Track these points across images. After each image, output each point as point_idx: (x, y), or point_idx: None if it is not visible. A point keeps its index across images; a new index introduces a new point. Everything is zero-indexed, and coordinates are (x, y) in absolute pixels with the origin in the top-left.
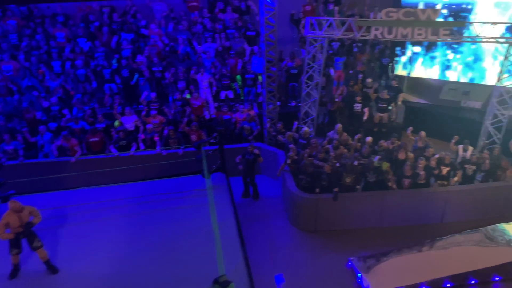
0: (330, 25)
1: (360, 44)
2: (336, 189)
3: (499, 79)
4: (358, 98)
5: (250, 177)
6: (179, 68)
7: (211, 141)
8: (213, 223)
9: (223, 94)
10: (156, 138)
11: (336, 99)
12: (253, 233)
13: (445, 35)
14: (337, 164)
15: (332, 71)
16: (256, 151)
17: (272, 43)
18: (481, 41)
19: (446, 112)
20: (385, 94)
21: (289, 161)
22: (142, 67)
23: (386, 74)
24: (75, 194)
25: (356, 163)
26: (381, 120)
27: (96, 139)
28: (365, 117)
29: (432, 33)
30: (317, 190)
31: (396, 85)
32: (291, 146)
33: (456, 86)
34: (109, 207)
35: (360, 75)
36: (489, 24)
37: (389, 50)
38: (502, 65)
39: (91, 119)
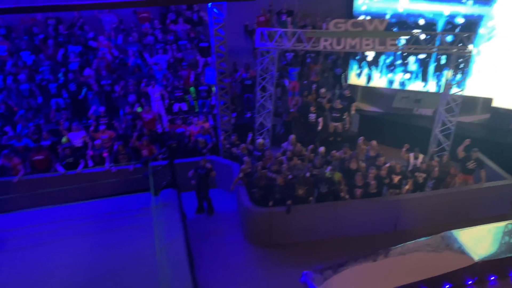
0: (280, 37)
1: (313, 55)
2: (289, 202)
3: (445, 87)
4: (313, 108)
5: (203, 192)
6: (129, 81)
7: (160, 156)
8: (157, 244)
9: (176, 107)
10: (105, 154)
11: (291, 110)
12: (206, 250)
13: (392, 45)
14: (290, 176)
15: (286, 81)
16: (208, 165)
17: (223, 55)
18: (428, 51)
19: (399, 120)
20: (338, 104)
21: (241, 175)
22: (90, 81)
23: (340, 84)
24: (16, 217)
25: (308, 174)
26: (336, 130)
27: (41, 157)
28: (319, 127)
29: (380, 43)
30: (270, 203)
31: (349, 95)
32: (245, 158)
33: (408, 94)
34: (53, 230)
35: (314, 85)
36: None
37: (342, 60)
38: (449, 73)
39: (35, 136)
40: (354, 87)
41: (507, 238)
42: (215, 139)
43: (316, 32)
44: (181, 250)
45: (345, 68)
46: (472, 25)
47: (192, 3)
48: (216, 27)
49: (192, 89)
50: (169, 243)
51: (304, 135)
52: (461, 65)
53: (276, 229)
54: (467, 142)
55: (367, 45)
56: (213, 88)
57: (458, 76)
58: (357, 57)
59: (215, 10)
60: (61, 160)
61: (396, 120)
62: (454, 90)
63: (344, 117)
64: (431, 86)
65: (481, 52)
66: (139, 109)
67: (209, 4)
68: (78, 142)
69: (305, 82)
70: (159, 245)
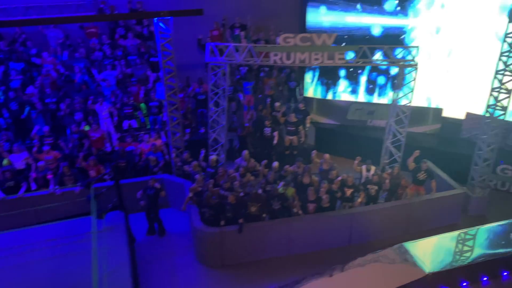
0: (231, 51)
1: (267, 69)
2: (240, 220)
3: (394, 99)
4: (267, 122)
5: (153, 213)
6: (75, 98)
7: (106, 177)
8: (94, 272)
9: (126, 124)
10: (49, 176)
11: (246, 124)
12: (155, 274)
13: (340, 59)
14: (241, 194)
15: (241, 95)
16: (157, 185)
17: (172, 70)
18: (374, 64)
19: (354, 132)
20: (293, 117)
21: (191, 194)
22: (33, 99)
23: (294, 97)
24: None
25: (260, 191)
26: (291, 143)
27: None
28: (275, 141)
29: (328, 58)
30: (222, 222)
31: (303, 108)
32: (197, 176)
33: (362, 106)
34: None
35: (269, 99)
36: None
37: (295, 74)
38: (397, 85)
39: None
40: (309, 100)
41: (457, 248)
42: (168, 156)
43: (266, 47)
44: (126, 276)
45: (300, 81)
46: (415, 38)
47: (137, 18)
48: (163, 42)
49: (142, 105)
50: (113, 269)
51: (260, 150)
52: (408, 77)
53: (228, 249)
54: (416, 153)
55: (316, 59)
56: (169, 104)
57: (406, 89)
58: (312, 70)
59: (161, 25)
60: (1, 184)
61: (351, 132)
62: (403, 101)
63: (299, 130)
64: (384, 98)
65: (428, 64)
66: (86, 128)
67: (155, 19)
68: (20, 164)
69: (260, 96)
70: (100, 272)
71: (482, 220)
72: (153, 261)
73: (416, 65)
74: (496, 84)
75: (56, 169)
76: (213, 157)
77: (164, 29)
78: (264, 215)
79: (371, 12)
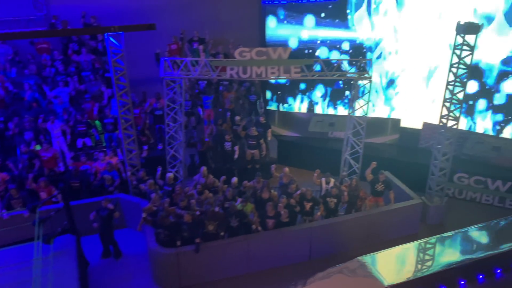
0: (186, 66)
1: (226, 83)
2: (197, 240)
3: (350, 112)
4: (228, 137)
5: (108, 235)
6: (25, 117)
7: (55, 199)
8: None
9: (80, 142)
10: None
11: (206, 139)
12: None
13: (296, 72)
14: (197, 213)
15: (200, 110)
16: (111, 205)
17: (125, 86)
18: (331, 77)
19: (316, 144)
20: (253, 131)
21: (144, 215)
22: None
23: (256, 111)
24: None
25: (217, 209)
26: (253, 157)
27: None
28: (236, 156)
29: (284, 71)
30: (178, 243)
31: (264, 121)
32: (153, 195)
33: (322, 118)
34: None
35: (229, 113)
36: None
37: (256, 87)
38: (352, 98)
39: None
40: (271, 113)
41: (416, 258)
42: (125, 174)
43: (222, 61)
44: None
45: (260, 94)
46: (368, 50)
47: (87, 33)
48: (114, 58)
49: (97, 122)
50: None
51: (221, 165)
52: (363, 90)
53: (185, 269)
54: (373, 164)
55: (273, 73)
56: (123, 120)
57: (361, 101)
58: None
59: (112, 40)
60: None
61: (313, 144)
62: (359, 113)
63: (261, 143)
64: (343, 110)
65: (385, 76)
66: (37, 147)
67: (105, 34)
68: None
69: (220, 110)
70: None
71: (440, 229)
72: (108, 285)
73: (370, 78)
74: (448, 95)
75: (3, 192)
76: (170, 175)
77: (116, 45)
78: (222, 233)
79: (332, 25)
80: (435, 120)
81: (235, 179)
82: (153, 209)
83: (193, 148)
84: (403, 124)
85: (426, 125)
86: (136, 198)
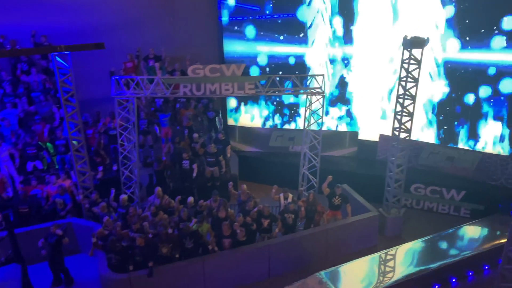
0: (138, 84)
1: (183, 100)
2: (150, 264)
3: (305, 126)
4: (186, 155)
5: (57, 262)
6: None
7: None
8: None
9: (30, 165)
10: None
11: (163, 158)
12: None
13: (250, 89)
14: (150, 235)
15: (157, 128)
16: (59, 231)
17: (74, 107)
18: (284, 93)
19: (277, 159)
20: (212, 148)
21: (94, 240)
22: None
23: (215, 127)
24: None
25: (170, 231)
26: (213, 175)
27: None
28: (194, 174)
29: (239, 88)
30: (131, 267)
31: (223, 138)
32: (105, 218)
33: (282, 133)
34: None
35: (186, 131)
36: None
37: (214, 104)
38: (306, 113)
39: None
40: (232, 129)
41: (373, 271)
42: (78, 198)
43: (174, 78)
44: None
45: (219, 111)
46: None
47: (33, 53)
48: (62, 78)
49: (48, 144)
50: None
51: (180, 184)
52: (317, 104)
53: None
54: (329, 178)
55: (227, 90)
56: (74, 142)
57: (316, 115)
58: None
59: (59, 60)
60: None
61: (273, 159)
62: (314, 127)
63: (220, 160)
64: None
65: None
66: None
67: (51, 54)
68: None
69: (178, 128)
70: None
71: (399, 240)
72: None
73: (322, 93)
74: (399, 107)
75: None
76: (124, 196)
77: (63, 65)
78: (177, 255)
79: (290, 42)
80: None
81: (191, 199)
82: (104, 233)
83: (150, 168)
84: (361, 136)
85: (382, 137)
86: (89, 222)
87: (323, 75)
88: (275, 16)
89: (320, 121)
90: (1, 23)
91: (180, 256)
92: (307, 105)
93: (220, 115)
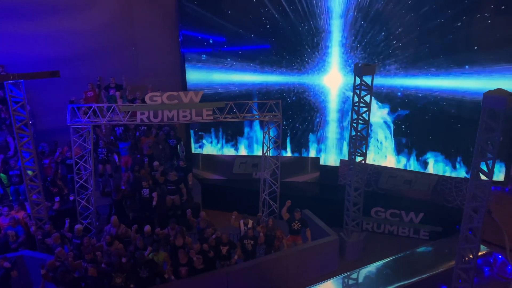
0: (94, 112)
1: (143, 128)
2: None
3: (264, 152)
4: (145, 183)
5: None
6: None
7: None
8: None
9: None
10: None
11: (122, 187)
12: None
13: (208, 115)
14: (103, 265)
15: (116, 157)
16: (7, 264)
17: (27, 136)
18: (242, 119)
19: (240, 186)
20: (173, 176)
21: (43, 272)
22: None
23: (177, 155)
24: None
25: (124, 260)
26: (174, 203)
27: None
28: (154, 202)
29: (196, 114)
30: None
31: (184, 165)
32: (57, 250)
33: (246, 159)
34: None
35: (146, 159)
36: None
37: (175, 131)
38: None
39: None
40: (195, 156)
41: None
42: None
43: (131, 105)
44: None
45: (181, 139)
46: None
47: None
48: (14, 106)
49: (2, 175)
50: None
51: (140, 214)
52: (274, 130)
53: None
54: (288, 203)
55: (185, 116)
56: (28, 171)
57: (274, 141)
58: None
59: (12, 88)
60: None
61: (237, 186)
62: (274, 153)
63: (181, 188)
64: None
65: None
66: None
67: (4, 82)
68: None
69: (138, 156)
70: None
71: (359, 264)
72: None
73: (279, 119)
74: (353, 132)
75: None
76: (79, 226)
77: (16, 93)
78: (132, 285)
79: (248, 70)
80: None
81: (148, 227)
82: (56, 265)
83: (109, 197)
84: (322, 162)
85: (343, 162)
86: (42, 254)
87: (279, 101)
88: (237, 48)
89: (278, 146)
90: None
91: (135, 286)
92: (265, 131)
93: (182, 142)
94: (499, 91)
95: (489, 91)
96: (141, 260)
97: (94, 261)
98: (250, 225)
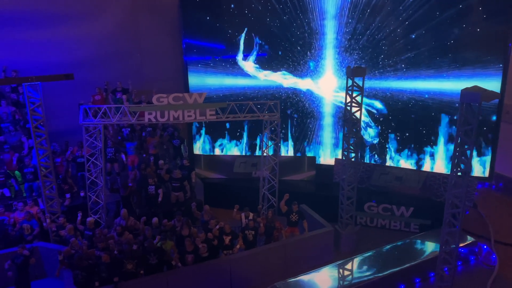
0: (105, 112)
1: (149, 129)
2: (115, 279)
3: (263, 150)
4: (151, 180)
5: (24, 284)
6: None
7: None
8: None
9: None
10: None
11: (129, 184)
12: None
13: (211, 115)
14: (115, 252)
15: (124, 156)
16: (26, 252)
17: (43, 134)
18: (243, 118)
19: (240, 184)
20: (177, 173)
21: (60, 257)
22: None
23: (180, 155)
24: None
25: (135, 247)
26: (178, 200)
27: None
28: (159, 198)
29: (200, 114)
30: (97, 283)
31: (187, 164)
32: (72, 240)
33: (246, 159)
34: None
35: (152, 158)
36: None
37: (178, 132)
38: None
39: None
40: (197, 157)
41: (329, 280)
42: (46, 224)
43: (140, 106)
44: None
45: (184, 139)
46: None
47: (5, 84)
48: (32, 107)
49: (16, 172)
50: None
51: (146, 210)
52: (273, 129)
53: None
54: (286, 196)
55: (189, 116)
56: (42, 168)
57: (273, 140)
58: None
59: (30, 90)
60: None
61: (237, 184)
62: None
63: (185, 185)
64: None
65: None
66: None
67: (23, 84)
68: None
69: (144, 155)
70: None
71: (353, 255)
72: None
73: (277, 118)
74: (346, 130)
75: None
76: (90, 219)
77: (33, 94)
78: (141, 271)
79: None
80: None
81: (155, 219)
82: (71, 252)
83: (117, 194)
84: (318, 161)
85: (337, 160)
86: (56, 245)
87: (278, 102)
88: (235, 56)
89: (277, 145)
90: None
91: (144, 272)
92: (264, 130)
93: (185, 143)
94: (475, 88)
95: (466, 88)
96: (151, 248)
97: (107, 249)
98: (250, 217)
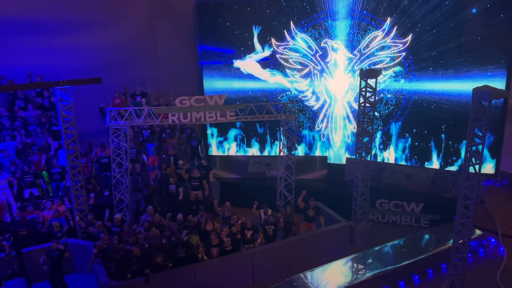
0: (130, 115)
1: (168, 130)
2: (147, 271)
3: (280, 150)
4: (172, 180)
5: (58, 278)
6: None
7: (4, 242)
8: None
9: (27, 193)
10: None
11: (151, 183)
12: None
13: (231, 116)
14: (146, 245)
15: (144, 157)
16: (61, 246)
17: (73, 135)
18: (261, 119)
19: (255, 183)
20: (196, 173)
21: (95, 251)
22: None
23: (198, 155)
24: None
25: (164, 241)
26: (197, 198)
27: None
28: (180, 197)
29: (221, 115)
30: (129, 275)
31: (205, 164)
32: (102, 235)
33: (259, 159)
34: None
35: (172, 158)
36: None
37: (196, 134)
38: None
39: None
40: (213, 157)
41: (344, 272)
42: (72, 222)
43: (164, 108)
44: None
45: (201, 140)
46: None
47: (39, 88)
48: (63, 109)
49: (44, 173)
50: None
51: (167, 207)
52: (291, 129)
53: None
54: (304, 193)
55: (211, 117)
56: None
57: (289, 139)
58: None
59: (61, 93)
60: None
61: (252, 183)
62: (289, 151)
63: (204, 184)
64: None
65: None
66: None
67: (55, 88)
68: None
69: (164, 156)
70: None
71: (368, 249)
72: None
73: (294, 118)
74: (360, 130)
75: None
76: (117, 216)
77: (64, 97)
78: (170, 264)
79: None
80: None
81: (180, 215)
82: (103, 247)
83: (139, 193)
84: (330, 160)
85: (348, 160)
86: (85, 241)
87: (294, 103)
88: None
89: (294, 144)
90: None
91: (172, 264)
92: (281, 130)
93: (202, 143)
94: (486, 87)
95: (477, 87)
96: (179, 242)
97: (137, 243)
98: (269, 213)
